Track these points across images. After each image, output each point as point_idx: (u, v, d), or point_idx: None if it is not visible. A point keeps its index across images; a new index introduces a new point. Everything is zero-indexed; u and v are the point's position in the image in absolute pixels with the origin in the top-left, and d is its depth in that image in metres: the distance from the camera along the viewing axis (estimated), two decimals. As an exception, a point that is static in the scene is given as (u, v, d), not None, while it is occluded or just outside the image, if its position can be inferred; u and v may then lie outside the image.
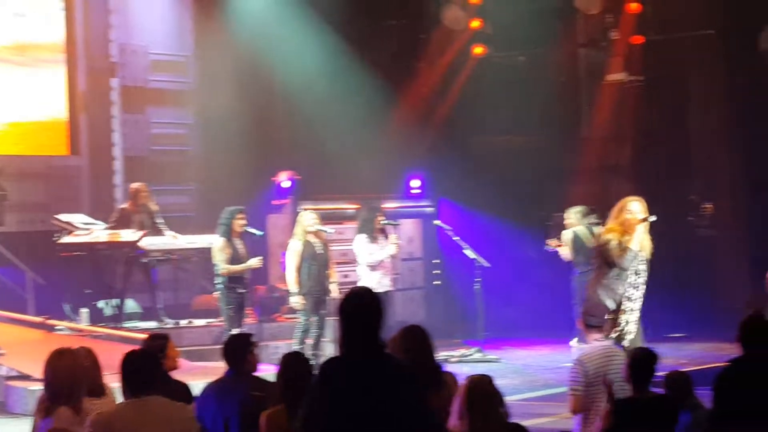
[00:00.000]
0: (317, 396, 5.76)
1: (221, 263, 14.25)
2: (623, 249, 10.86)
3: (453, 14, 20.04)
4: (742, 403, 7.30)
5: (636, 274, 10.99)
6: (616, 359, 8.43)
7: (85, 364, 7.63)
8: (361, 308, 5.85)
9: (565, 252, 16.60)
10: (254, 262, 14.37)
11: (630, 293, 10.93)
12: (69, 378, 7.28)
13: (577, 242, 16.59)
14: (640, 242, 11.05)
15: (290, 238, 15.07)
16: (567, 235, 16.74)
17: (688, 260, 18.48)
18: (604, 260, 10.99)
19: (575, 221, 16.74)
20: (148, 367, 6.75)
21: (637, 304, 11.01)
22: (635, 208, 11.07)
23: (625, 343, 10.89)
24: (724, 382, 7.43)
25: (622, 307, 10.92)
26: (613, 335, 10.80)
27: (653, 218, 11.09)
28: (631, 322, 10.97)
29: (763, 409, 7.28)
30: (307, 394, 5.81)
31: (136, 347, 7.63)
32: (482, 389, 6.61)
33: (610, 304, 10.79)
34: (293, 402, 6.70)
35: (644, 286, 11.08)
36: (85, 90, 18.93)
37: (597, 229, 16.31)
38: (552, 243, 16.67)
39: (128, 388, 6.64)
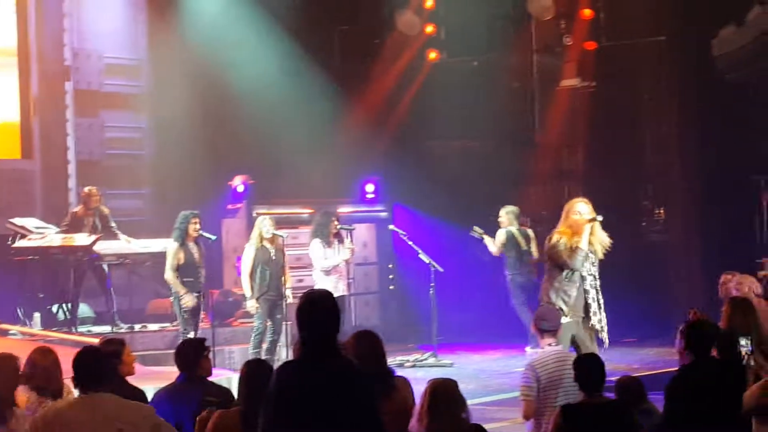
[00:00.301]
0: (273, 400, 5.78)
1: (168, 269, 14.30)
2: (573, 249, 10.92)
3: (407, 19, 20.07)
4: (692, 409, 7.36)
5: (589, 274, 11.05)
6: (569, 364, 8.47)
7: (44, 363, 7.66)
8: (317, 311, 5.89)
9: (492, 246, 16.82)
10: (187, 299, 14.33)
11: (592, 294, 10.98)
12: (10, 384, 7.31)
13: (510, 242, 16.80)
14: (590, 242, 11.11)
15: (246, 243, 15.08)
16: (501, 234, 16.90)
17: (640, 265, 18.56)
18: (554, 263, 11.05)
19: (508, 221, 16.98)
20: (98, 363, 6.75)
21: (600, 304, 11.05)
22: (582, 209, 11.14)
23: (604, 340, 10.96)
24: (674, 389, 7.48)
25: (592, 310, 10.95)
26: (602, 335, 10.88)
27: (600, 218, 11.18)
28: (604, 324, 11.02)
29: (713, 414, 7.35)
30: (264, 400, 5.83)
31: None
32: (445, 393, 6.65)
33: (563, 306, 10.84)
34: (253, 408, 6.75)
35: (599, 291, 11.13)
36: (38, 94, 18.83)
37: (529, 232, 16.66)
38: (478, 230, 16.90)
39: (78, 384, 6.66)
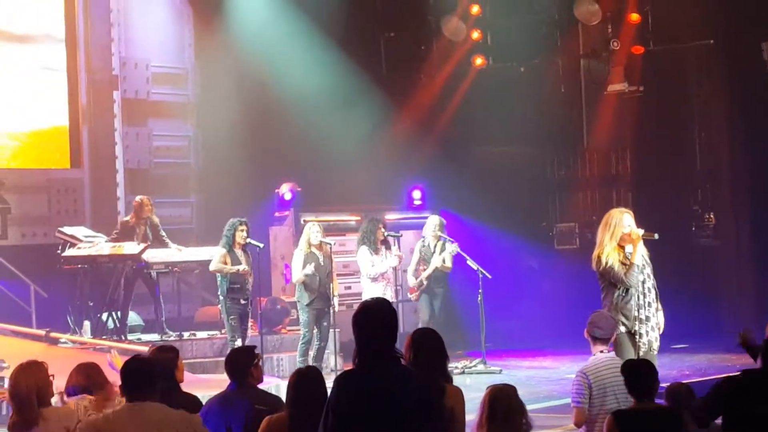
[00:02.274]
0: (333, 410, 5.79)
1: (213, 262, 14.41)
2: (628, 267, 10.74)
3: (453, 25, 20.03)
4: (756, 413, 7.24)
5: (642, 283, 10.88)
6: (619, 371, 8.40)
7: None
8: (373, 320, 5.89)
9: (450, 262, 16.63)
10: (240, 268, 14.43)
11: (642, 300, 10.81)
12: (36, 388, 7.32)
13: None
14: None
15: (293, 250, 15.12)
16: (454, 248, 16.62)
17: (690, 271, 18.43)
18: (608, 282, 10.84)
19: (442, 232, 16.69)
20: (145, 373, 6.77)
21: (651, 311, 10.85)
22: (630, 221, 10.93)
23: (654, 349, 10.78)
24: (737, 392, 7.35)
25: (639, 317, 10.78)
26: (643, 349, 10.70)
27: (657, 236, 10.99)
28: (653, 330, 10.84)
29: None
30: (325, 408, 5.84)
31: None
32: (505, 399, 6.62)
33: (625, 321, 10.66)
34: (300, 413, 6.75)
35: (653, 290, 10.92)
36: (87, 103, 18.97)
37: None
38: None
39: (125, 393, 6.68)
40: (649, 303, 10.76)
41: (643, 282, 10.80)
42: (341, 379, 5.89)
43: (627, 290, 10.72)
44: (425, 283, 16.41)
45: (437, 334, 7.26)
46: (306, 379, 7.05)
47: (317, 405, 6.09)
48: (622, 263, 10.67)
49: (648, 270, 10.84)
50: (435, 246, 16.55)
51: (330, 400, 5.83)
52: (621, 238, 10.75)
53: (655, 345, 10.78)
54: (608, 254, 10.68)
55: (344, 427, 5.74)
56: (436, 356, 7.12)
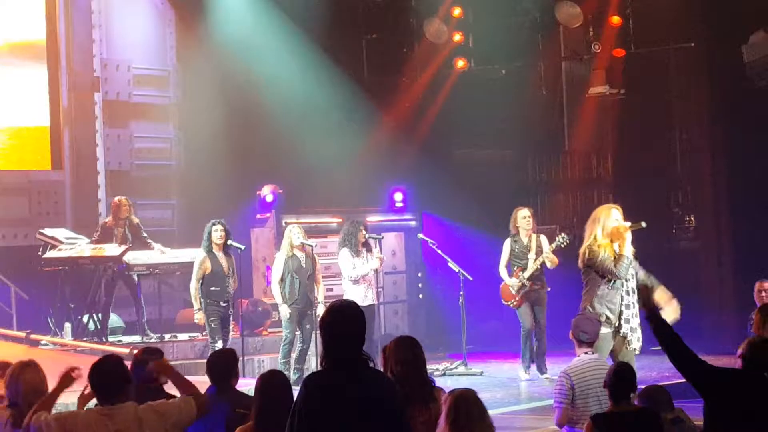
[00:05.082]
0: (301, 411, 5.78)
1: (192, 279, 14.51)
2: (618, 258, 10.79)
3: (435, 28, 20.05)
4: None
5: (626, 280, 10.92)
6: (603, 373, 8.44)
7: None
8: (340, 321, 5.89)
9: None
10: (198, 316, 14.57)
11: (627, 300, 10.86)
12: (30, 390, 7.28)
13: None
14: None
15: (275, 252, 15.12)
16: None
17: (671, 272, 18.41)
18: (595, 272, 10.88)
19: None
20: (115, 374, 6.74)
21: (637, 309, 10.89)
22: (618, 215, 11.01)
23: (636, 349, 10.82)
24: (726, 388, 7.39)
25: (624, 317, 10.83)
26: (631, 347, 10.74)
27: (644, 224, 11.06)
28: (635, 328, 10.89)
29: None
30: (291, 410, 5.83)
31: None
32: (467, 403, 6.63)
33: (609, 315, 10.72)
34: (267, 420, 6.72)
35: (637, 291, 10.97)
36: (68, 105, 18.92)
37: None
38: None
39: (96, 396, 6.66)
40: (633, 303, 10.83)
41: (627, 280, 10.86)
42: (309, 381, 5.89)
43: (613, 283, 10.77)
44: (527, 285, 15.64)
45: (416, 341, 7.29)
46: (270, 385, 7.04)
47: (284, 411, 6.09)
48: (614, 257, 10.73)
49: (632, 271, 10.90)
50: (529, 242, 15.72)
51: (297, 401, 5.83)
52: (611, 233, 10.82)
53: (637, 345, 10.85)
54: (600, 246, 10.75)
55: (310, 429, 5.74)
56: (414, 366, 7.15)
